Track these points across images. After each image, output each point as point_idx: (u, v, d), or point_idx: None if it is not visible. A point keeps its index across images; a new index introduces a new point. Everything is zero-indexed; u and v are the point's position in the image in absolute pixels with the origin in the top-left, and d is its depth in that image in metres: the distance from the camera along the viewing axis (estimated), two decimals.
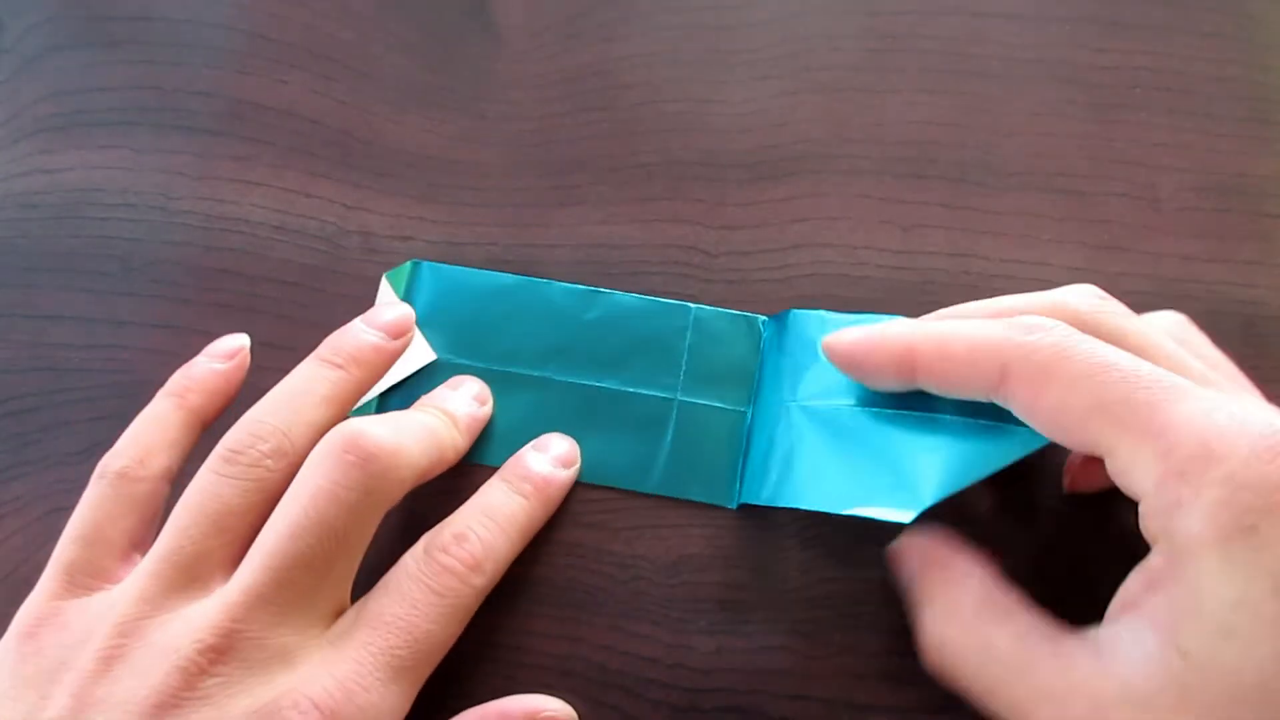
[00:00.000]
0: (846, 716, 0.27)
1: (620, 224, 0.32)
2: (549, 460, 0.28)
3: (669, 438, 0.29)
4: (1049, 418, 0.21)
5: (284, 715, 0.21)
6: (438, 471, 0.26)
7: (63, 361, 0.31)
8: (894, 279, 0.31)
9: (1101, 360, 0.20)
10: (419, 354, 0.30)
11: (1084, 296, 0.24)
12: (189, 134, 0.34)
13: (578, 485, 0.29)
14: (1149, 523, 0.20)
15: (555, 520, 0.28)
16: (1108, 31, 0.34)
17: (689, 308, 0.30)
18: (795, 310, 0.29)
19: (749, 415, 0.29)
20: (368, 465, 0.23)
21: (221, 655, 0.21)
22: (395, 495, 0.24)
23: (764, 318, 0.30)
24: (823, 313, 0.29)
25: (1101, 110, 0.33)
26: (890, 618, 0.27)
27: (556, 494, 0.28)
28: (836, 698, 0.27)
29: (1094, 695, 0.20)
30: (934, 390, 0.24)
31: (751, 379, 0.30)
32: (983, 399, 0.23)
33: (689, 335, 0.30)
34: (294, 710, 0.21)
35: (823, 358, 0.26)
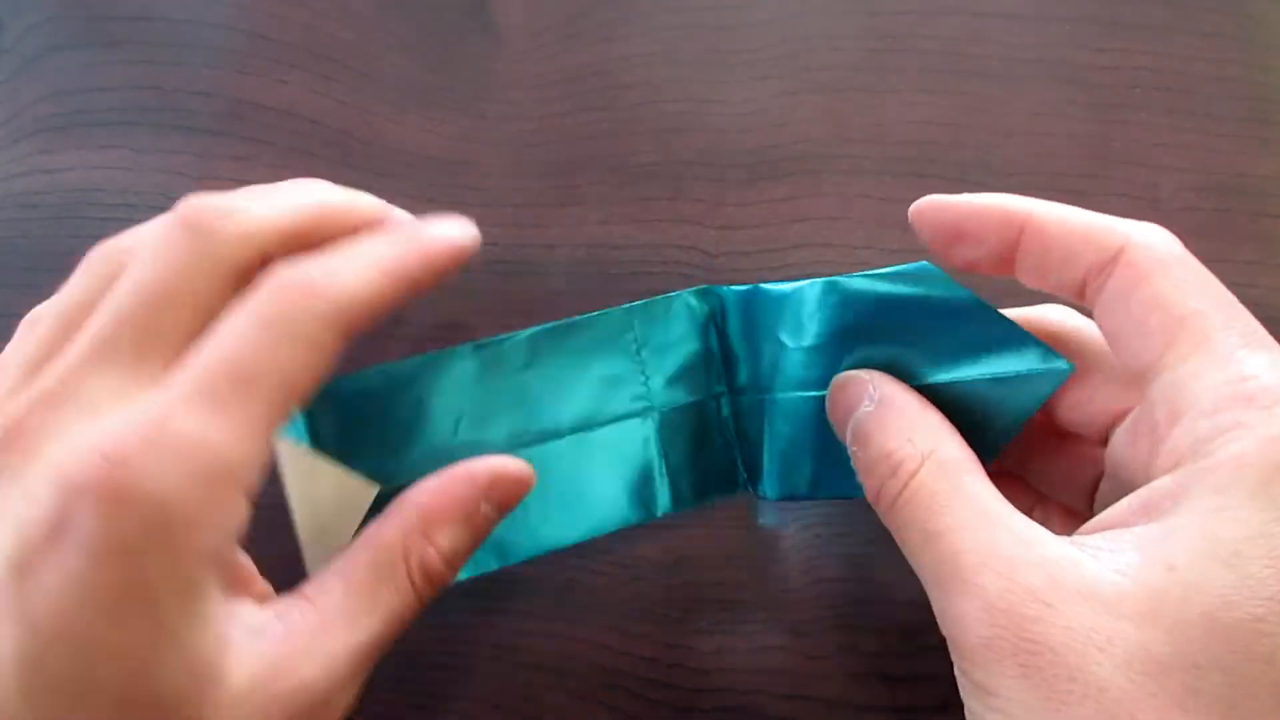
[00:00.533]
0: (846, 716, 0.27)
1: (620, 224, 0.32)
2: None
3: (657, 453, 0.27)
4: (1141, 308, 0.20)
5: (66, 470, 0.18)
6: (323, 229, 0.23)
7: None
8: None
9: (1205, 278, 0.20)
10: (355, 497, 0.25)
11: (1161, 243, 0.22)
12: (189, 134, 0.34)
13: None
14: (1183, 442, 0.18)
15: None
16: (1108, 31, 0.34)
17: (624, 308, 0.27)
18: (750, 289, 0.26)
19: (726, 401, 0.28)
20: (192, 225, 0.22)
21: (33, 412, 0.19)
22: (236, 250, 0.21)
23: (699, 291, 0.28)
24: (778, 288, 0.26)
25: (1101, 110, 0.33)
26: (890, 618, 0.27)
27: (437, 248, 0.23)
28: (836, 698, 0.27)
29: (1054, 577, 0.18)
30: (1025, 275, 0.22)
31: (713, 359, 0.28)
32: (1069, 291, 0.22)
33: (635, 332, 0.27)
34: (75, 461, 0.18)
35: (794, 344, 0.25)
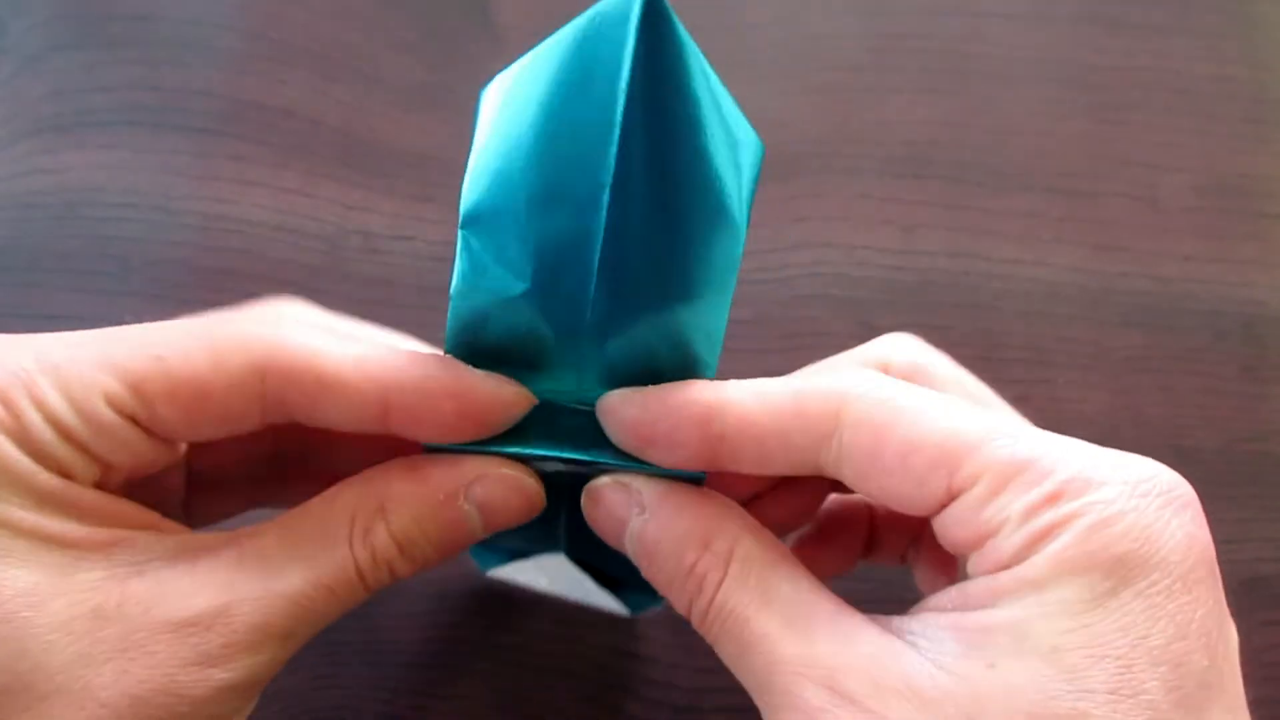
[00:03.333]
0: None
1: None
2: None
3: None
4: (896, 461, 0.18)
5: None
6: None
7: None
8: (894, 279, 0.31)
9: (946, 398, 0.18)
10: None
11: (904, 351, 0.22)
12: (189, 134, 0.34)
13: None
14: (994, 557, 0.17)
15: None
16: (1108, 31, 0.34)
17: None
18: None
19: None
20: None
21: None
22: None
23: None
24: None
25: (1101, 110, 0.33)
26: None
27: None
28: None
29: (875, 679, 0.17)
30: (743, 467, 0.19)
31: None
32: (809, 472, 0.19)
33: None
34: None
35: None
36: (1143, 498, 0.17)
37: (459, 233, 0.20)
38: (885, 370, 0.21)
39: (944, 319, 0.31)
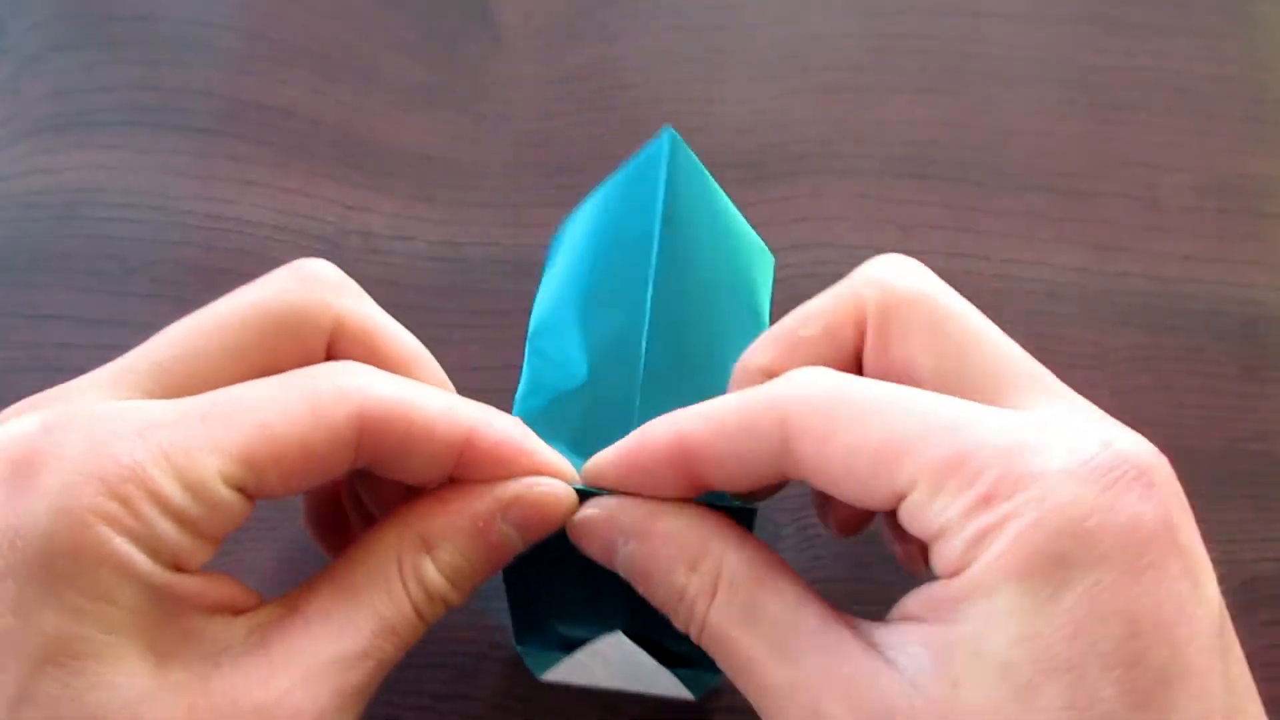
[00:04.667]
0: None
1: None
2: None
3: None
4: (841, 467, 0.18)
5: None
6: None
7: (63, 361, 0.31)
8: None
9: (884, 392, 0.18)
10: None
11: (893, 271, 0.21)
12: (189, 134, 0.34)
13: None
14: (945, 561, 0.17)
15: None
16: (1108, 31, 0.34)
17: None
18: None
19: None
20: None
21: None
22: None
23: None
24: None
25: (1101, 110, 0.33)
26: None
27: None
28: None
29: (855, 705, 0.17)
30: (723, 485, 0.20)
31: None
32: (771, 479, 0.19)
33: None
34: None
35: None
36: (1082, 484, 0.16)
37: (527, 345, 0.23)
38: (887, 298, 0.20)
39: None
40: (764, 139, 0.33)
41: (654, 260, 0.22)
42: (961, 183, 0.32)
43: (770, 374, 0.21)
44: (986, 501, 0.17)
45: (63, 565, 0.16)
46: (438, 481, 0.20)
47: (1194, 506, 0.18)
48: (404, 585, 0.20)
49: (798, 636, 0.19)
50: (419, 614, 0.20)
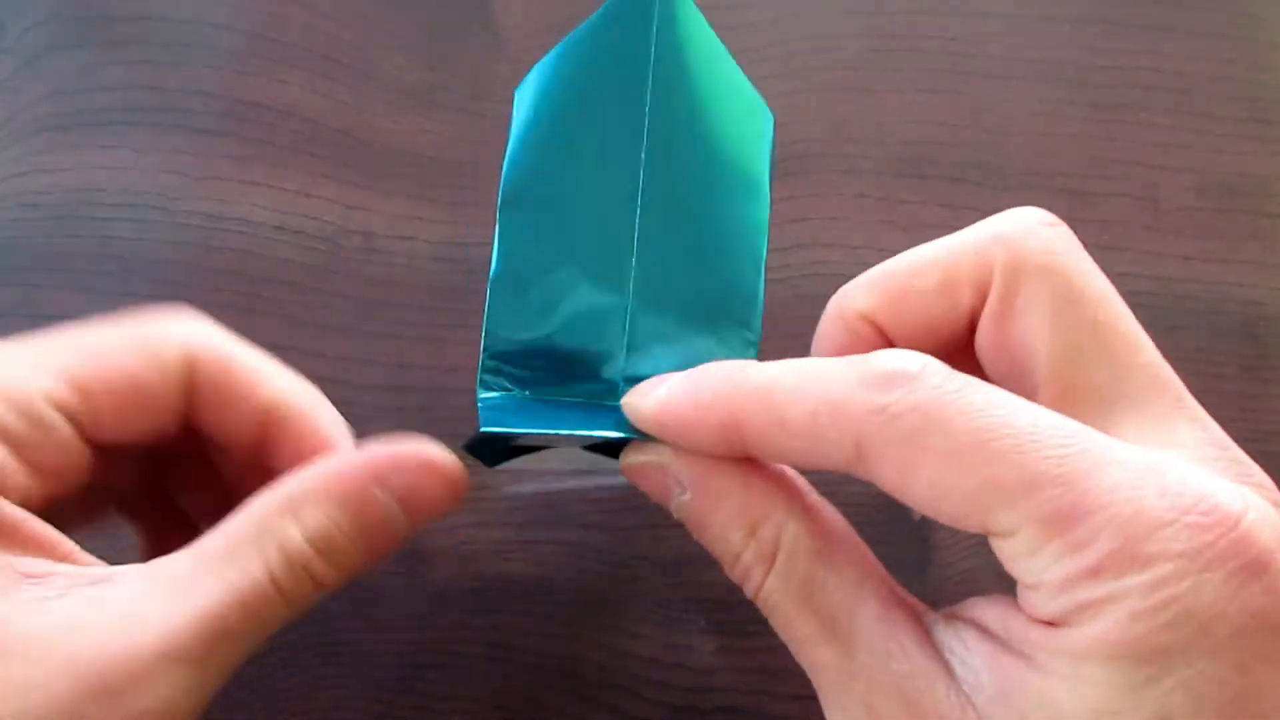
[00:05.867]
0: None
1: None
2: None
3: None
4: (927, 503, 0.17)
5: None
6: None
7: None
8: None
9: (985, 421, 0.16)
10: None
11: (1028, 233, 0.19)
12: (189, 134, 0.34)
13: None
14: (1035, 608, 0.16)
15: (555, 520, 0.28)
16: (1108, 31, 0.34)
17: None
18: None
19: None
20: None
21: None
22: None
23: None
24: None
25: (1101, 110, 0.33)
26: None
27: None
28: None
29: (909, 708, 0.17)
30: (780, 463, 0.19)
31: None
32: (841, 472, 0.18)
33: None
34: None
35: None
36: (1201, 573, 0.15)
37: (498, 216, 0.20)
38: (1018, 263, 0.19)
39: None
40: None
41: (645, 125, 0.20)
42: (961, 183, 0.32)
43: (871, 320, 0.19)
44: (1094, 574, 0.15)
45: None
46: (249, 444, 0.20)
47: None
48: (261, 551, 0.18)
49: (855, 622, 0.18)
50: (277, 586, 0.18)
